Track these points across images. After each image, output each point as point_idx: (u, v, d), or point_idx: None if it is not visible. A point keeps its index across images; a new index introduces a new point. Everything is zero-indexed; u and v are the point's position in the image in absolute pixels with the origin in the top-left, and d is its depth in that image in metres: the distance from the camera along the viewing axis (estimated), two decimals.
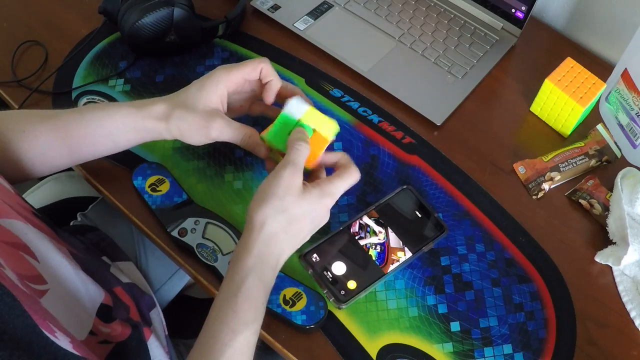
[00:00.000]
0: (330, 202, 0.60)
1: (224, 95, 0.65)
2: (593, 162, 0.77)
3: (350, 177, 0.62)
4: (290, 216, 0.57)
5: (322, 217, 0.61)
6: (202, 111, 0.63)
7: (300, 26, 0.89)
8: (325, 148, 0.64)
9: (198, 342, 0.55)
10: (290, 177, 0.57)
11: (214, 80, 0.65)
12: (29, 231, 0.54)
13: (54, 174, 0.95)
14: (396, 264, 0.68)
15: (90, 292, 0.61)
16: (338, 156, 0.64)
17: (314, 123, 0.63)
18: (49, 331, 0.46)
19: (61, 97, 0.82)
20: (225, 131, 0.63)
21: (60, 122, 0.65)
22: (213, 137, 0.64)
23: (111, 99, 0.82)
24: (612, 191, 0.74)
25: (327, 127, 0.63)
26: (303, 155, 0.60)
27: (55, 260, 0.56)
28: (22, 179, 0.66)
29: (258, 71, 0.66)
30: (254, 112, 0.72)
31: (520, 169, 0.77)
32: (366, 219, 0.70)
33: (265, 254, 0.57)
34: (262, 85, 0.68)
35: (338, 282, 0.66)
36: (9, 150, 0.63)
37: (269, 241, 0.57)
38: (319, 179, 0.62)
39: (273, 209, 0.57)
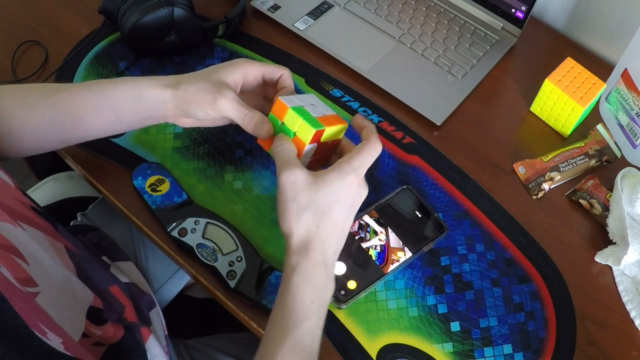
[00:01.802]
0: (355, 178, 0.57)
1: (239, 79, 0.64)
2: (593, 162, 0.77)
3: (370, 150, 0.58)
4: (314, 210, 0.55)
5: (354, 196, 0.58)
6: (214, 81, 0.62)
7: (300, 26, 0.89)
8: (305, 149, 0.60)
9: (259, 345, 0.55)
10: (289, 176, 0.55)
11: (234, 63, 0.64)
12: (19, 234, 0.54)
13: (56, 173, 0.96)
14: (396, 264, 0.68)
15: (79, 295, 0.60)
16: (364, 126, 0.61)
17: (294, 126, 0.60)
18: (40, 332, 0.46)
19: None
20: (232, 105, 0.60)
21: (67, 94, 0.65)
22: (219, 106, 0.60)
23: None
24: (612, 191, 0.74)
25: (303, 131, 0.59)
26: (291, 151, 0.57)
27: (46, 262, 0.56)
28: (24, 153, 0.66)
29: (278, 74, 0.65)
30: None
31: (520, 169, 0.77)
32: (366, 219, 0.70)
33: (305, 251, 0.55)
34: (272, 96, 0.67)
35: (338, 282, 0.66)
36: (15, 122, 0.63)
37: (304, 240, 0.56)
38: (339, 160, 0.59)
39: (293, 214, 0.55)
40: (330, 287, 0.58)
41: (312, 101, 0.63)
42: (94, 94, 0.65)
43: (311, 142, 0.59)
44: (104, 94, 0.64)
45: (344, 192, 0.57)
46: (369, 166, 0.59)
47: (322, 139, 0.60)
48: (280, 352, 0.53)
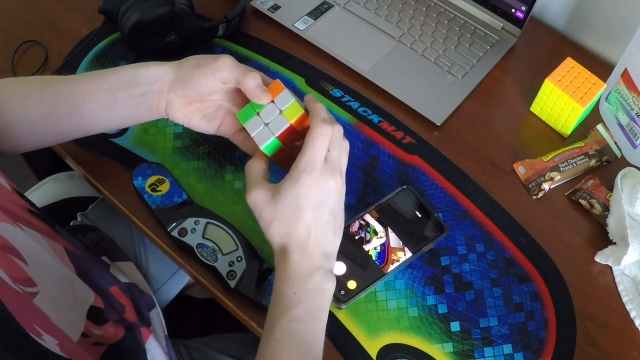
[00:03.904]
0: (307, 178, 0.55)
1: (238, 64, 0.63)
2: (593, 162, 0.77)
3: (315, 141, 0.56)
4: (279, 222, 0.56)
5: (316, 194, 0.56)
6: (214, 55, 0.63)
7: (300, 26, 0.89)
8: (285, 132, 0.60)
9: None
10: (251, 199, 0.57)
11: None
12: (18, 234, 0.54)
13: (56, 173, 0.96)
14: (396, 264, 0.68)
15: (79, 294, 0.60)
16: (309, 109, 0.59)
17: (283, 105, 0.60)
18: (36, 333, 0.46)
19: None
20: (233, 62, 0.61)
21: (67, 83, 0.65)
22: (220, 64, 0.60)
23: None
24: (612, 191, 0.74)
25: (292, 110, 0.60)
26: (254, 171, 0.59)
27: (45, 262, 0.56)
28: (21, 149, 0.66)
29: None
30: (224, 129, 0.68)
31: (520, 169, 0.77)
32: (366, 219, 0.70)
33: (283, 254, 0.57)
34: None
35: (338, 282, 0.66)
36: (13, 115, 0.63)
37: (281, 248, 0.57)
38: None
39: (264, 228, 0.57)
40: (317, 275, 0.57)
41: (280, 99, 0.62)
42: (92, 80, 0.64)
43: (295, 124, 0.59)
44: (103, 78, 0.64)
45: (302, 197, 0.56)
46: (324, 152, 0.56)
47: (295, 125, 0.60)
48: (270, 343, 0.54)
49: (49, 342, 0.47)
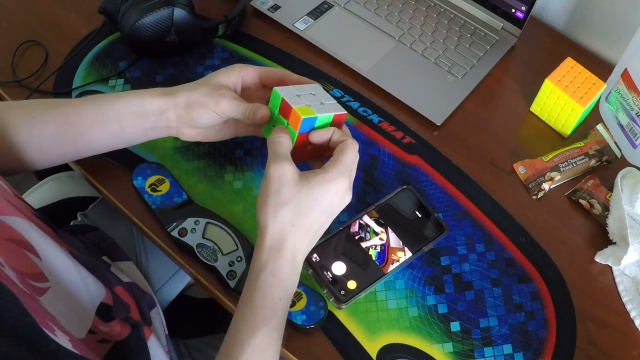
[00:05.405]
0: (341, 184, 0.57)
1: (237, 81, 0.65)
2: (593, 162, 0.77)
3: (350, 150, 0.58)
4: (293, 208, 0.55)
5: (336, 202, 0.58)
6: (213, 85, 0.63)
7: (300, 26, 0.89)
8: (298, 138, 0.60)
9: (223, 341, 0.55)
10: (277, 170, 0.56)
11: (230, 67, 0.65)
12: (31, 229, 0.54)
13: (56, 173, 0.96)
14: (396, 264, 0.68)
15: (90, 291, 0.61)
16: (329, 133, 0.60)
17: (287, 115, 0.60)
18: (49, 329, 0.46)
19: (61, 97, 0.82)
20: (233, 103, 0.61)
21: (71, 108, 0.65)
22: (222, 108, 0.62)
23: None
24: (612, 191, 0.74)
25: (295, 119, 0.59)
26: (284, 145, 0.58)
27: (58, 258, 0.56)
28: (28, 168, 0.66)
29: (276, 74, 0.66)
30: (241, 132, 0.70)
31: (520, 169, 0.77)
32: (366, 219, 0.70)
33: (277, 249, 0.56)
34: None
35: (338, 282, 0.66)
36: (18, 136, 0.63)
37: (278, 237, 0.56)
38: (326, 163, 0.59)
39: (272, 207, 0.56)
40: (296, 284, 0.58)
41: (313, 91, 0.62)
42: (97, 106, 0.65)
43: (303, 131, 0.59)
44: (108, 106, 0.65)
45: (328, 197, 0.57)
46: (355, 168, 0.59)
47: (316, 127, 0.60)
48: (247, 349, 0.53)
49: (62, 339, 0.47)
